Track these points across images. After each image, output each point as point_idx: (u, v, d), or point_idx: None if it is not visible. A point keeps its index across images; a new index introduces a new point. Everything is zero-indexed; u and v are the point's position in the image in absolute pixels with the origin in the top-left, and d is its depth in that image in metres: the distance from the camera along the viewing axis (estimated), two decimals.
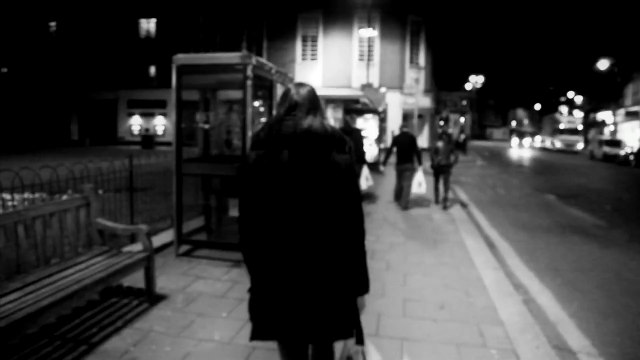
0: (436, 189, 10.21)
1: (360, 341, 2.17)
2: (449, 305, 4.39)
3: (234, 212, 5.93)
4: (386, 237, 7.15)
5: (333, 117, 20.13)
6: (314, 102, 2.10)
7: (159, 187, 7.33)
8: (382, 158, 14.82)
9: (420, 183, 9.47)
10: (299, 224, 2.02)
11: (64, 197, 4.24)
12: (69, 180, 4.98)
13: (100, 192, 5.42)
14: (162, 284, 4.61)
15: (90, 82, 34.30)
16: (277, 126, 2.04)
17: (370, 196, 10.84)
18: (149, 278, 4.19)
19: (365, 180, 9.36)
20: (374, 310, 4.11)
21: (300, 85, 2.17)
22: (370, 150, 17.27)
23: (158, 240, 5.85)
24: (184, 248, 5.81)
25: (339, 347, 2.33)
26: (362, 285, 2.13)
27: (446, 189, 9.91)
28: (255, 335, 2.12)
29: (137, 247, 4.67)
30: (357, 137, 9.64)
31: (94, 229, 4.34)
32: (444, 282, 5.03)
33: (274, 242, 2.05)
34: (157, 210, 7.19)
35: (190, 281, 4.82)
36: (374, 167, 13.32)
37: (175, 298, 4.35)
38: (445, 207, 9.73)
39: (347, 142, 2.09)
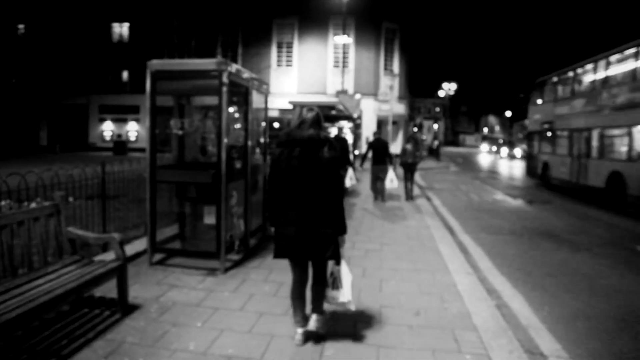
0: (406, 186, 12.09)
1: (338, 263, 3.64)
2: (424, 311, 4.43)
3: (208, 220, 5.87)
4: (367, 215, 9.16)
5: None
6: (315, 121, 3.51)
7: (132, 195, 7.20)
8: (357, 164, 15.81)
9: (392, 180, 11.15)
10: (304, 190, 3.42)
11: (33, 204, 4.12)
12: (39, 187, 4.84)
13: (71, 199, 5.30)
14: (135, 293, 4.52)
15: (61, 87, 33.52)
16: (293, 133, 3.48)
17: (353, 192, 12.76)
18: (122, 288, 4.10)
19: (350, 180, 11.09)
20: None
21: (310, 110, 3.57)
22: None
23: (131, 249, 5.74)
24: (158, 256, 5.72)
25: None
26: (341, 229, 3.52)
27: (411, 184, 12.13)
28: (276, 255, 3.57)
29: (110, 256, 4.57)
30: (344, 144, 11.77)
31: (65, 237, 4.23)
32: (415, 266, 5.08)
33: (290, 201, 3.46)
34: (130, 218, 7.06)
35: (164, 290, 4.74)
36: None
37: (149, 308, 4.27)
38: (410, 199, 11.91)
39: (334, 144, 3.49)
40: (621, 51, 12.41)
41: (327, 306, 3.78)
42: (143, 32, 32.03)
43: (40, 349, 3.42)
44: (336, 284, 3.65)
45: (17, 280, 3.61)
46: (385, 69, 29.59)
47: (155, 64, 5.37)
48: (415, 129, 41.35)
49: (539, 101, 18.55)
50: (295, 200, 3.43)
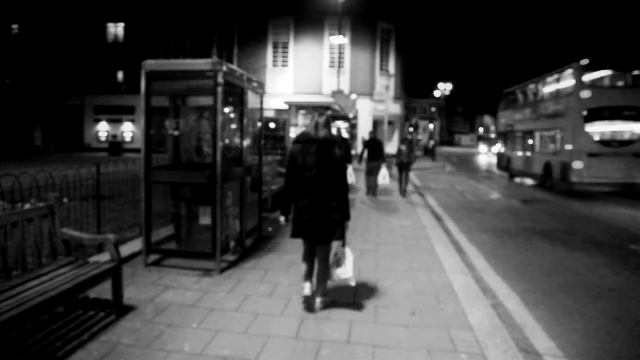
0: (400, 182, 13.02)
1: (343, 245, 4.33)
2: (420, 310, 4.44)
3: (204, 220, 5.86)
4: (363, 211, 9.65)
5: (304, 125, 20.12)
6: (327, 124, 4.15)
7: (127, 195, 7.16)
8: (355, 162, 16.23)
9: (384, 176, 11.97)
10: (318, 182, 4.03)
11: (27, 206, 4.09)
12: (33, 188, 4.81)
13: (65, 200, 5.27)
14: (130, 294, 4.51)
15: (55, 87, 33.36)
16: (310, 134, 4.13)
17: (352, 189, 13.02)
18: (117, 289, 4.09)
19: (349, 176, 11.52)
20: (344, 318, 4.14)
21: (321, 114, 4.19)
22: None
23: (126, 250, 5.73)
24: (153, 257, 5.70)
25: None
26: (346, 215, 4.18)
27: (406, 181, 13.06)
28: (293, 235, 4.20)
29: (105, 257, 4.55)
30: (346, 144, 12.61)
31: (59, 238, 4.21)
32: (411, 266, 5.09)
33: (304, 190, 4.09)
34: (125, 219, 7.03)
35: (159, 291, 4.72)
36: None
37: (144, 309, 4.26)
38: (404, 195, 12.73)
39: (341, 143, 4.16)
40: (551, 75, 16.81)
41: (330, 284, 4.46)
42: (138, 32, 31.93)
43: (34, 350, 3.41)
44: (340, 262, 4.30)
45: (10, 282, 3.59)
46: (381, 69, 29.61)
47: (150, 64, 5.36)
48: (411, 129, 41.44)
49: (505, 108, 23.10)
50: (309, 190, 4.06)
